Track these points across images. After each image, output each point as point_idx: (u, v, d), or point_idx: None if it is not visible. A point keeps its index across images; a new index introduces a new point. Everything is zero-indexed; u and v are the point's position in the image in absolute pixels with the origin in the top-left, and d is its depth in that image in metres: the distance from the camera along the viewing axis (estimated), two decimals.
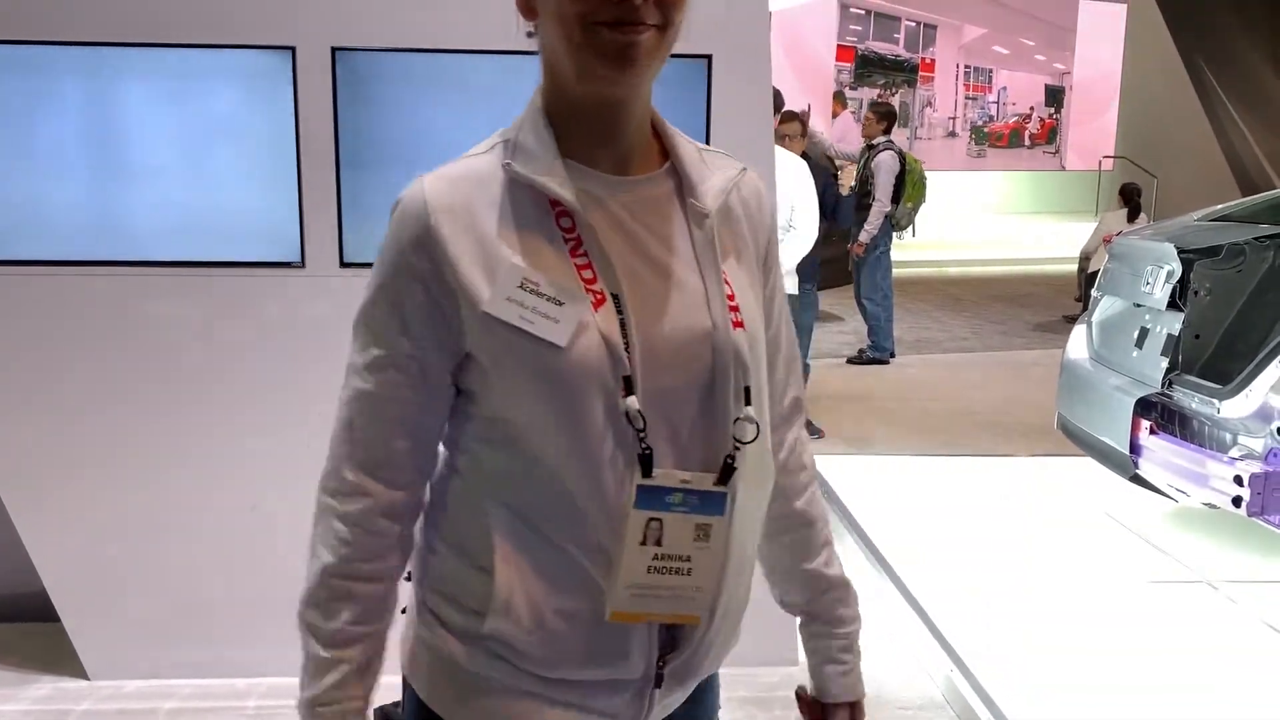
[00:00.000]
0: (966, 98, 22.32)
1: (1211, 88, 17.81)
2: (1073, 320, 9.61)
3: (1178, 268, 3.69)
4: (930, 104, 21.94)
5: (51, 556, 3.06)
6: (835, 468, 5.06)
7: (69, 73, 2.90)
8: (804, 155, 5.92)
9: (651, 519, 1.12)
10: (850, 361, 7.76)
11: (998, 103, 22.49)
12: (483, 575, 1.15)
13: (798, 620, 1.38)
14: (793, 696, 1.39)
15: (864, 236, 7.42)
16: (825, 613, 1.35)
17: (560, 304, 1.11)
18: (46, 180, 2.93)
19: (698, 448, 1.16)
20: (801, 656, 1.38)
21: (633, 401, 1.11)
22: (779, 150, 4.89)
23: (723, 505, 1.15)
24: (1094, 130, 19.70)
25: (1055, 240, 14.87)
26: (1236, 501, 3.23)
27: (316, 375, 2.96)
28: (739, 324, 1.17)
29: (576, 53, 1.10)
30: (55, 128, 2.92)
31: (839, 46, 20.05)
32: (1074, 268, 10.30)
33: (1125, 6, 17.82)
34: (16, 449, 3.02)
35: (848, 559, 4.21)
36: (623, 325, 1.12)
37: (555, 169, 1.14)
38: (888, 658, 3.35)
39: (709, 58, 2.98)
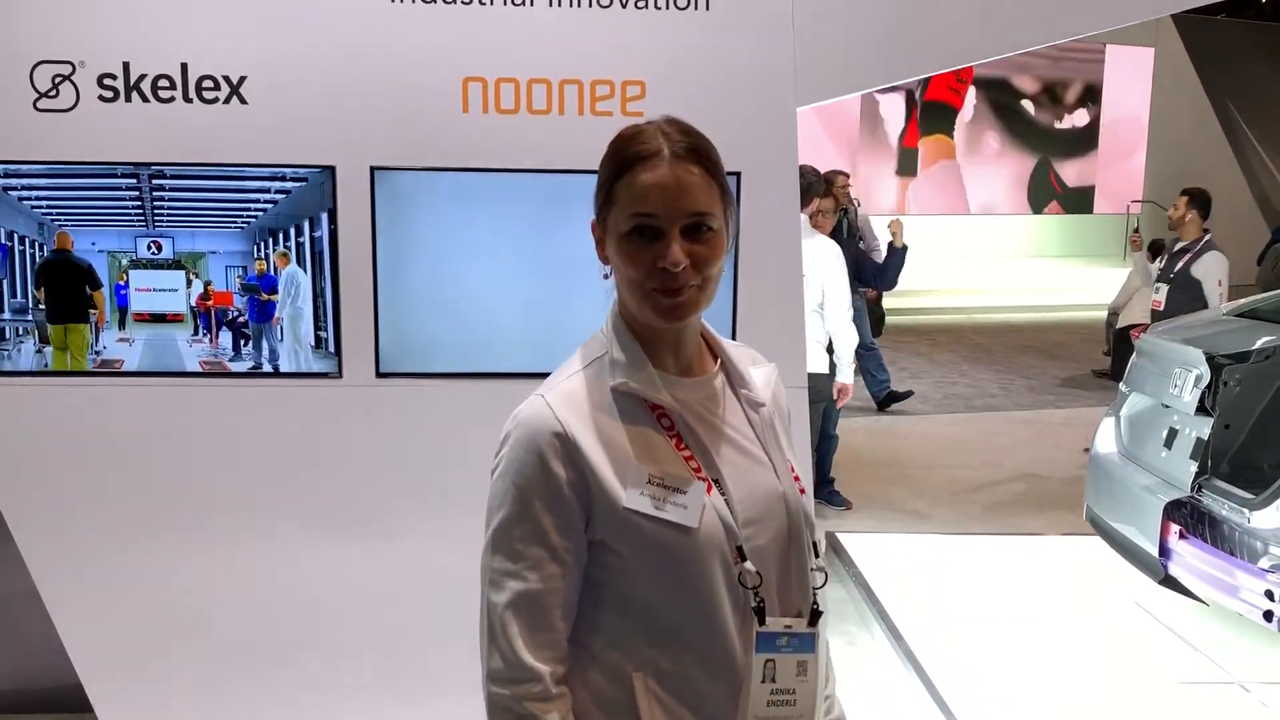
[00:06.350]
0: None
1: (1241, 131, 17.68)
2: (1102, 375, 9.61)
3: (1206, 373, 3.67)
4: None
5: (86, 649, 3.12)
6: (862, 547, 5.05)
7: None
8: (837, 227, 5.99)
9: (768, 660, 1.36)
10: (881, 408, 7.95)
11: None
12: None
13: None
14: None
15: None
16: None
17: (683, 492, 1.34)
18: None
19: (787, 595, 1.39)
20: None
21: (750, 565, 1.35)
22: (814, 235, 4.91)
23: (814, 644, 1.39)
24: (1122, 173, 19.42)
25: (1084, 286, 14.80)
26: (1268, 616, 3.20)
27: (355, 481, 3.04)
28: (802, 490, 1.44)
29: (637, 305, 1.38)
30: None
31: None
32: (1102, 314, 10.28)
33: (1153, 50, 17.79)
34: (53, 546, 3.08)
35: (874, 648, 4.20)
36: (727, 503, 1.36)
37: (652, 379, 1.38)
38: None
39: (739, 175, 3.03)
